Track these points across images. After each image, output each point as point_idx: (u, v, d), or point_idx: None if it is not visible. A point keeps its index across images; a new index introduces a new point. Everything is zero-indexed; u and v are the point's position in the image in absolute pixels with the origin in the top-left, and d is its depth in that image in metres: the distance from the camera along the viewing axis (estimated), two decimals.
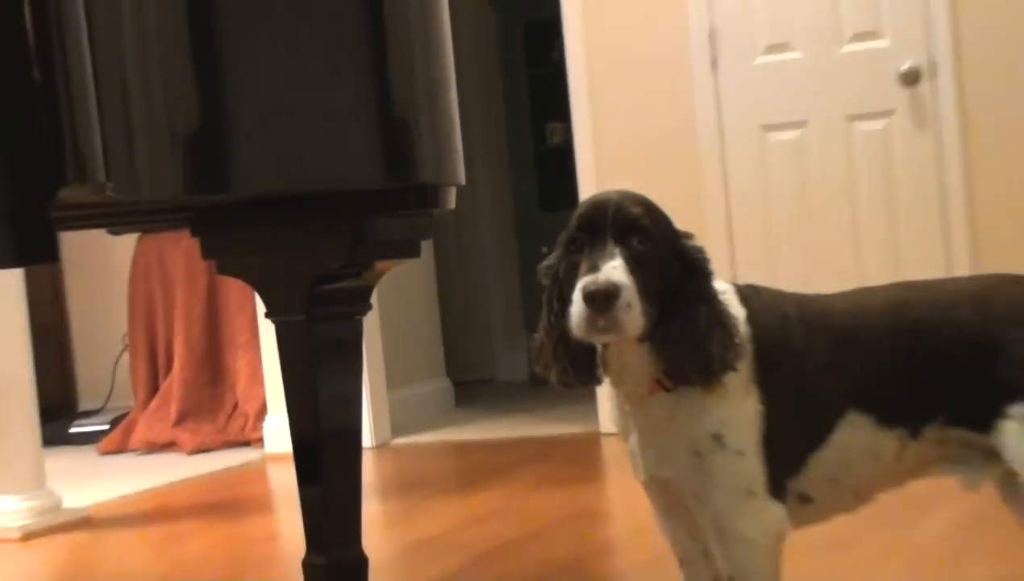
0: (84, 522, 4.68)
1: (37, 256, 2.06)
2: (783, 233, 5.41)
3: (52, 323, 7.44)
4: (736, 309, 1.92)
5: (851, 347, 1.95)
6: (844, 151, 5.32)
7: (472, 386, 7.56)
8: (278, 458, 5.71)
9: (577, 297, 1.80)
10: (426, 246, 2.74)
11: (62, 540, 4.44)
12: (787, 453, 1.92)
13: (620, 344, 1.88)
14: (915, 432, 1.96)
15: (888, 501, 2.10)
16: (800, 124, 5.39)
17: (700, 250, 1.91)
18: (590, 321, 1.80)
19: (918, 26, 5.20)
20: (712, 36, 5.46)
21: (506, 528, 4.03)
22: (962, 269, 5.06)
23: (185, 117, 2.20)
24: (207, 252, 2.73)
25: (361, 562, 2.63)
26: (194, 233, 2.73)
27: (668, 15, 5.52)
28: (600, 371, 1.94)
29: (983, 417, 1.92)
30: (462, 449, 5.85)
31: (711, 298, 1.88)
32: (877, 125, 5.28)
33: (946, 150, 5.18)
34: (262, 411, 6.24)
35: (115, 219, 2.97)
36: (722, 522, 1.91)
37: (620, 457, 2.18)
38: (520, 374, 7.65)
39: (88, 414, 7.22)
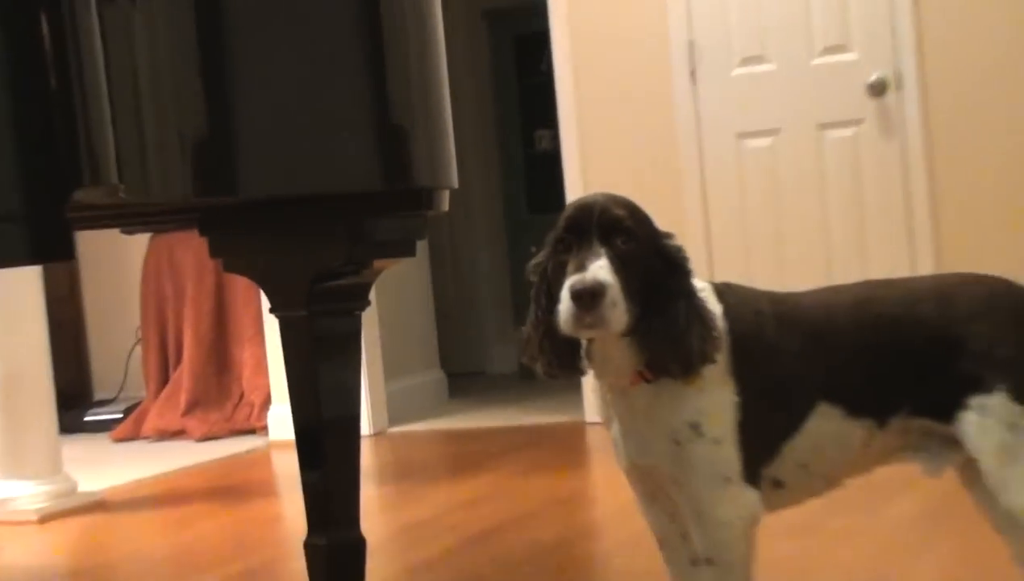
0: (98, 505, 4.68)
1: (53, 254, 2.06)
2: (758, 234, 5.41)
3: (69, 317, 7.43)
4: (713, 305, 1.92)
5: (821, 341, 1.95)
6: (815, 158, 5.33)
7: (464, 378, 7.57)
8: (282, 445, 5.70)
9: (565, 295, 1.80)
10: (421, 245, 2.73)
11: (77, 522, 4.44)
12: (761, 442, 1.92)
13: (604, 338, 1.87)
14: (881, 422, 1.96)
15: (855, 486, 2.10)
16: (773, 132, 5.39)
17: (680, 249, 1.91)
18: (577, 317, 1.80)
19: (885, 40, 5.21)
20: (691, 49, 5.46)
21: (496, 511, 4.03)
22: (926, 268, 5.07)
23: (193, 123, 2.19)
24: (215, 251, 2.72)
25: (359, 543, 2.63)
26: (202, 233, 2.72)
27: (649, 29, 5.52)
28: (583, 363, 1.94)
29: (945, 408, 1.92)
30: (455, 437, 5.85)
31: (690, 295, 1.88)
32: (846, 133, 5.28)
33: (911, 157, 5.18)
34: (267, 401, 6.23)
35: (128, 220, 2.96)
36: (700, 506, 1.91)
37: (603, 445, 2.18)
38: (510, 367, 7.65)
39: (102, 403, 7.22)
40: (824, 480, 2.01)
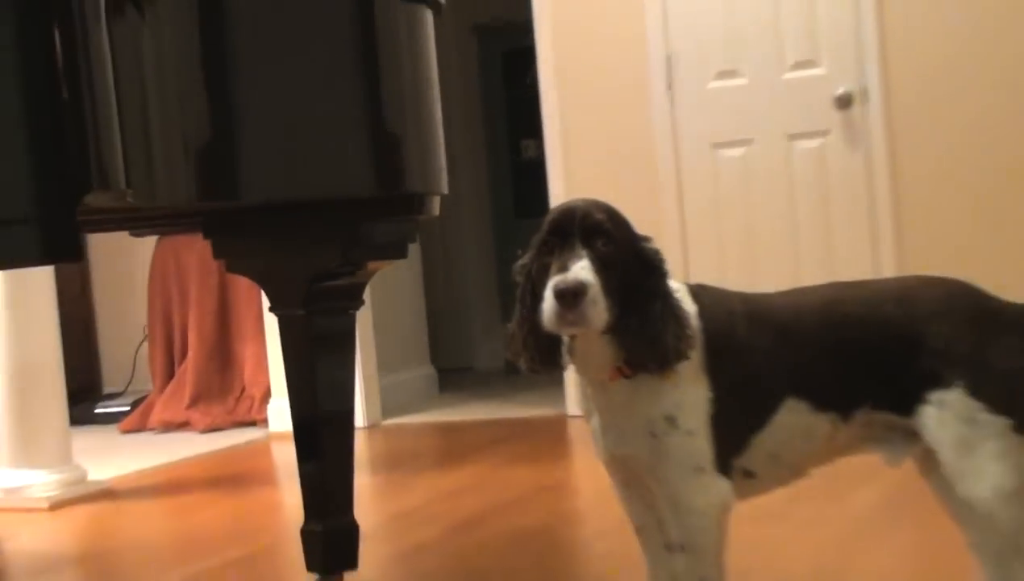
0: (106, 493, 4.66)
1: (62, 255, 2.05)
2: (730, 238, 5.42)
3: (80, 315, 7.41)
4: (688, 305, 1.92)
5: (789, 340, 1.95)
6: (785, 166, 5.33)
7: (454, 373, 7.56)
8: (281, 437, 5.69)
9: (549, 294, 1.80)
10: (413, 248, 2.73)
11: (86, 509, 4.42)
12: (733, 434, 1.92)
13: (585, 335, 1.87)
14: (846, 415, 1.96)
15: (821, 476, 2.11)
16: (746, 142, 5.39)
17: (657, 252, 1.91)
18: (560, 315, 1.79)
19: (851, 56, 5.22)
20: (668, 63, 5.46)
21: (482, 499, 4.03)
22: (889, 271, 5.08)
23: (197, 132, 2.19)
24: (218, 253, 2.72)
25: (353, 529, 2.63)
26: (206, 236, 2.72)
27: (629, 45, 5.53)
28: (565, 359, 1.94)
29: (905, 402, 1.92)
30: (444, 429, 5.84)
31: (666, 295, 1.88)
32: (814, 144, 5.29)
33: (875, 166, 5.19)
34: (266, 395, 6.22)
35: (135, 223, 2.96)
36: (675, 495, 1.91)
37: (584, 437, 2.18)
38: (497, 362, 7.65)
39: (111, 397, 7.20)
40: (791, 470, 2.01)
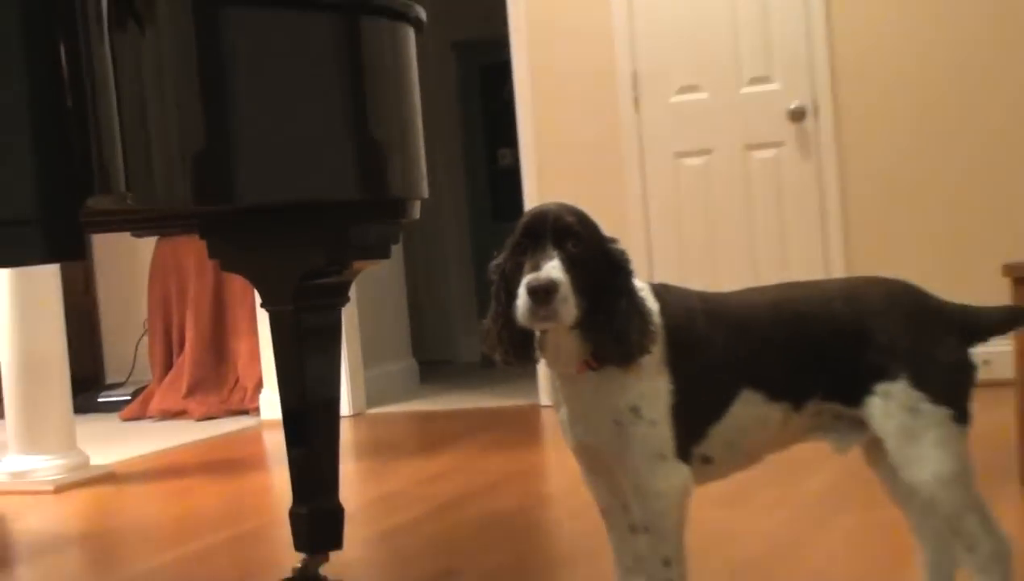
0: (108, 477, 4.64)
1: (66, 254, 2.04)
2: (692, 241, 5.42)
3: (84, 309, 7.37)
4: (651, 303, 1.91)
5: (745, 335, 1.95)
6: (742, 175, 5.35)
7: (434, 366, 7.55)
8: (272, 425, 5.67)
9: (522, 291, 1.79)
10: (396, 249, 2.72)
11: (89, 493, 4.40)
12: (692, 423, 1.92)
13: (556, 330, 1.87)
14: (798, 406, 1.96)
15: (775, 462, 2.11)
16: (707, 152, 5.40)
17: (623, 253, 1.91)
18: (533, 311, 1.79)
19: (804, 73, 5.23)
20: (635, 79, 5.47)
21: (460, 484, 4.03)
22: (838, 271, 5.10)
23: (194, 139, 2.18)
24: (213, 252, 2.70)
25: (338, 511, 2.62)
26: (202, 236, 2.70)
27: (599, 62, 5.53)
28: (537, 352, 1.94)
29: (853, 393, 1.92)
30: (425, 418, 5.84)
31: (631, 293, 1.88)
32: (769, 154, 5.30)
33: (825, 175, 5.21)
34: (259, 385, 6.20)
35: (136, 224, 2.94)
36: (638, 480, 1.91)
37: (554, 426, 2.19)
38: (475, 356, 7.64)
39: (113, 387, 7.16)
40: (747, 456, 2.01)
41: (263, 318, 5.75)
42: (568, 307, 1.80)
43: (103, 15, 1.99)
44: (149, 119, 2.09)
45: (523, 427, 5.27)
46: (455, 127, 8.12)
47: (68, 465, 4.52)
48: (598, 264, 1.86)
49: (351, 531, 2.74)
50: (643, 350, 1.86)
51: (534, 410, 5.55)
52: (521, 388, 5.95)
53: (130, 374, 7.22)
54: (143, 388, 6.71)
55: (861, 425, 1.95)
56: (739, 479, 2.11)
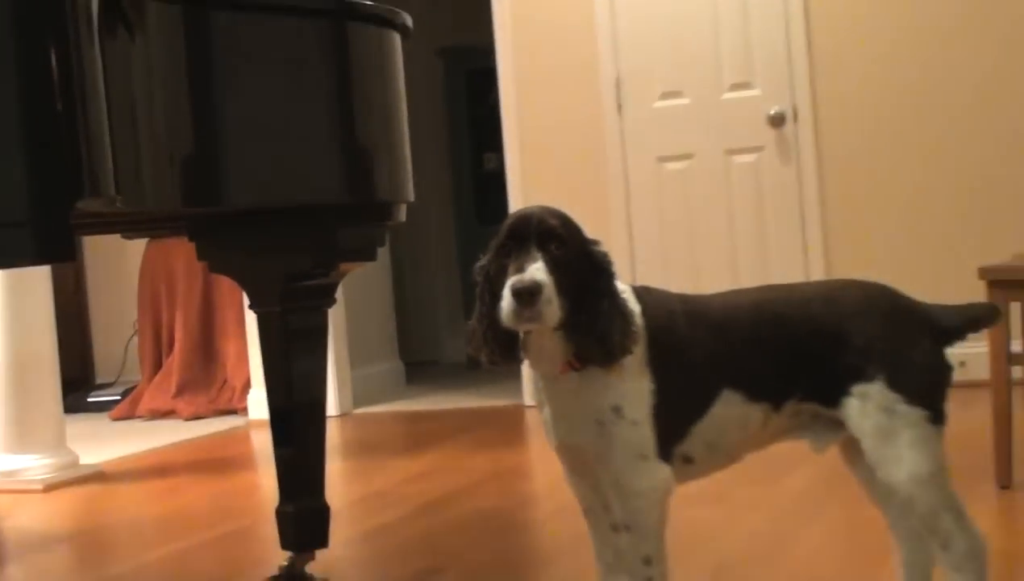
0: (97, 476, 4.63)
1: (56, 256, 2.03)
2: (673, 243, 5.43)
3: (74, 310, 7.35)
4: (633, 305, 1.91)
5: (725, 337, 1.95)
6: (723, 179, 5.36)
7: (420, 366, 7.55)
8: (259, 424, 5.66)
9: (507, 293, 1.79)
10: (383, 251, 2.72)
11: (78, 491, 4.39)
12: (673, 423, 1.92)
13: (539, 331, 1.87)
14: (777, 406, 1.96)
15: (755, 461, 2.11)
16: (688, 156, 5.41)
17: (606, 255, 1.91)
18: (517, 313, 1.79)
19: (784, 79, 5.25)
20: (618, 85, 5.47)
21: (445, 483, 4.02)
22: (817, 274, 5.11)
23: (183, 143, 2.17)
24: (202, 255, 2.70)
25: (324, 510, 2.62)
26: (191, 239, 2.70)
27: (582, 67, 5.54)
28: (521, 353, 1.93)
29: (831, 394, 1.92)
30: (410, 418, 5.83)
31: (613, 294, 1.88)
32: (750, 158, 5.31)
33: (805, 179, 5.22)
34: (247, 385, 6.19)
35: (126, 226, 2.93)
36: (619, 479, 1.90)
37: (538, 426, 2.18)
38: (460, 357, 7.64)
39: (102, 386, 7.15)
40: (727, 456, 2.01)
41: (251, 319, 5.74)
42: (552, 309, 1.80)
43: (93, 19, 1.98)
44: (138, 123, 2.09)
45: (507, 427, 5.27)
46: (441, 131, 8.12)
47: (58, 464, 4.50)
48: (581, 266, 1.86)
49: (337, 530, 2.74)
50: (625, 351, 1.86)
51: (518, 410, 5.55)
52: (505, 388, 5.95)
53: (119, 374, 7.20)
54: (132, 388, 6.70)
55: (838, 425, 1.95)
56: (719, 478, 2.11)
